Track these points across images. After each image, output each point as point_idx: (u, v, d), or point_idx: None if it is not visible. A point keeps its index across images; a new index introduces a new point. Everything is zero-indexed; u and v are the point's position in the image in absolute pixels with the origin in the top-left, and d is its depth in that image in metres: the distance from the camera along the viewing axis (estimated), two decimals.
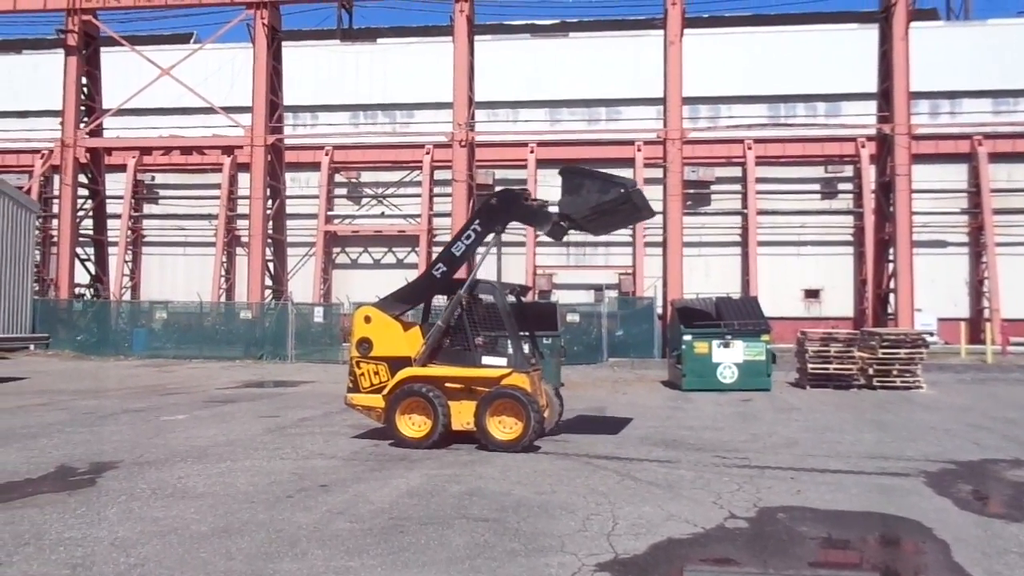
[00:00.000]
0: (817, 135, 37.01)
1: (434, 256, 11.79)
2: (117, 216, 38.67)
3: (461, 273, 11.59)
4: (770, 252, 37.04)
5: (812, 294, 37.74)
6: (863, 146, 36.00)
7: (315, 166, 39.70)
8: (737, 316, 19.01)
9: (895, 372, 18.66)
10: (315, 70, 39.67)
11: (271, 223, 33.13)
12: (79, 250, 34.05)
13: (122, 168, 39.09)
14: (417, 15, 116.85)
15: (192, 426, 12.43)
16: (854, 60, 34.37)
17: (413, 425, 10.42)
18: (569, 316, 27.26)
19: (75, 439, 11.04)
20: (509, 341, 10.66)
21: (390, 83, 39.83)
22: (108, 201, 35.68)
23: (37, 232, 28.98)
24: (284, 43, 33.49)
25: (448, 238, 10.76)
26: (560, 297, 34.63)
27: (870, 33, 31.64)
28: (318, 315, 30.13)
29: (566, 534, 6.45)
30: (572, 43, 40.24)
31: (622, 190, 10.55)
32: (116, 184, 37.94)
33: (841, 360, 18.99)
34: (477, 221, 11.04)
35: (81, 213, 34.06)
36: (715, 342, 18.43)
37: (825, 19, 40.04)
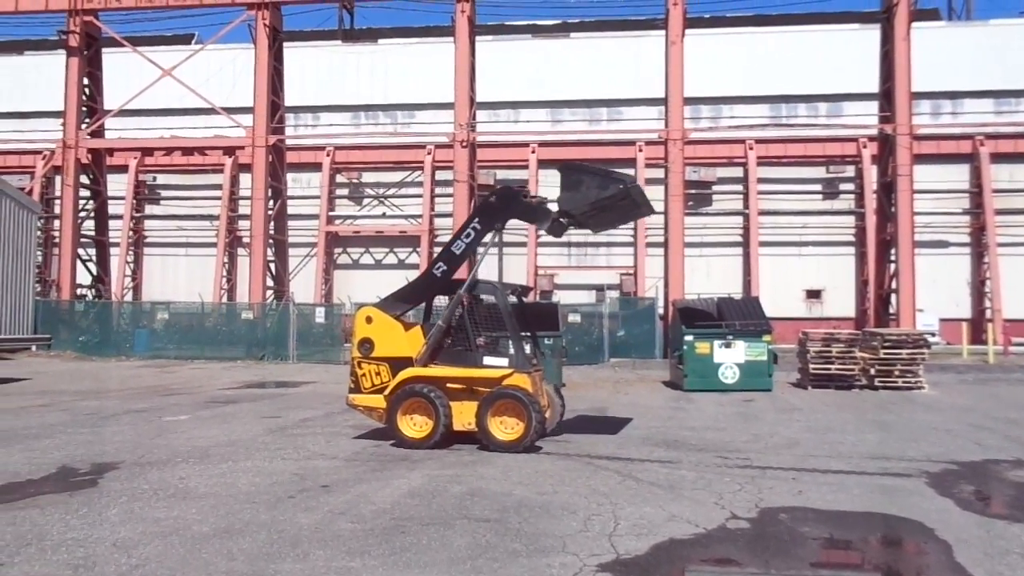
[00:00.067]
0: (819, 135, 37.01)
1: (435, 256, 11.82)
2: (119, 217, 38.72)
3: (462, 272, 11.59)
4: (772, 252, 37.04)
5: (814, 294, 37.74)
6: (865, 146, 36.00)
7: (316, 167, 39.73)
8: (739, 316, 19.00)
9: (897, 372, 18.63)
10: (316, 70, 39.72)
11: (272, 224, 33.14)
12: (81, 251, 34.07)
13: (124, 169, 39.15)
14: (418, 15, 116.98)
15: (194, 427, 12.44)
16: (856, 60, 34.37)
17: (415, 425, 10.42)
18: (570, 316, 27.24)
19: (77, 440, 11.05)
20: (510, 341, 10.66)
21: (391, 83, 39.87)
22: (110, 202, 35.72)
23: (39, 233, 29.06)
24: (285, 44, 33.51)
25: (449, 238, 10.74)
26: (561, 297, 34.65)
27: (872, 33, 31.62)
28: (319, 316, 30.13)
29: (568, 534, 6.44)
30: (573, 43, 40.26)
31: (621, 186, 10.56)
32: (118, 185, 37.97)
33: (843, 360, 18.97)
34: (477, 219, 11.04)
35: (83, 214, 34.08)
36: (717, 342, 18.41)
37: (827, 19, 40.02)
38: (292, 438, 11.34)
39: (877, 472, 9.15)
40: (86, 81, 33.24)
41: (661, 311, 28.38)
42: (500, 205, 11.10)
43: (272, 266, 33.15)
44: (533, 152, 37.35)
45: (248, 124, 31.75)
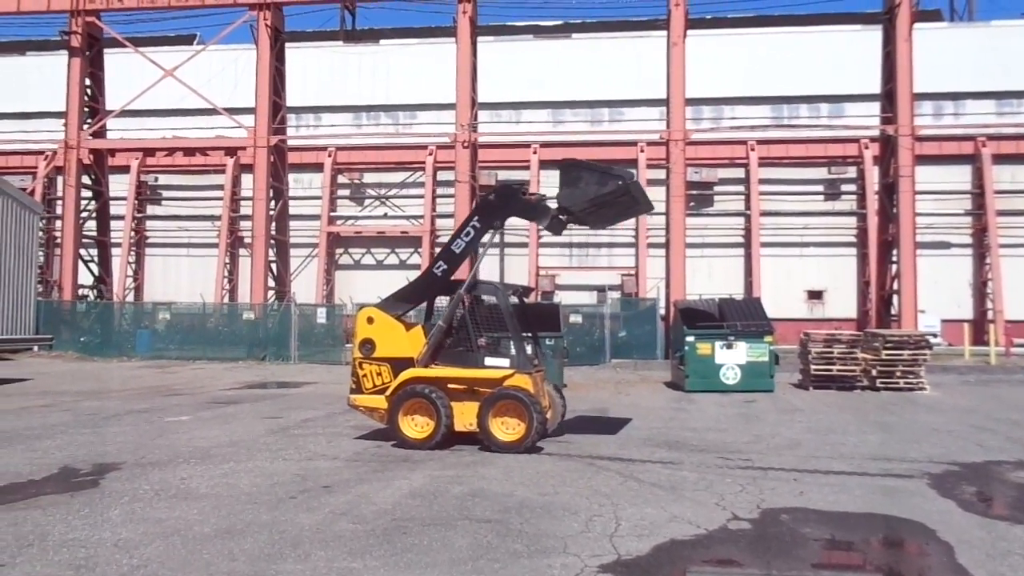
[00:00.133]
0: (820, 136, 36.99)
1: (435, 255, 11.83)
2: (120, 217, 38.74)
3: (464, 272, 11.59)
4: (773, 253, 37.03)
5: (815, 295, 37.72)
6: (866, 147, 35.98)
7: (318, 167, 39.75)
8: (740, 317, 18.99)
9: (898, 374, 18.62)
10: (318, 71, 39.74)
11: (274, 224, 33.15)
12: (82, 251, 34.08)
13: (125, 169, 39.17)
14: (420, 16, 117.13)
15: (195, 427, 12.44)
16: (857, 61, 34.33)
17: (416, 426, 10.42)
18: (572, 317, 27.24)
19: (78, 440, 11.05)
20: (512, 342, 10.66)
21: (393, 84, 39.89)
22: (111, 202, 35.75)
23: (41, 233, 29.05)
24: (287, 44, 33.52)
25: (449, 237, 10.70)
26: (563, 298, 34.60)
27: (874, 34, 31.60)
28: (321, 316, 30.13)
29: (569, 535, 6.45)
30: (575, 44, 40.26)
31: (620, 182, 10.55)
32: (119, 185, 38.00)
33: (844, 361, 18.96)
34: (476, 217, 11.04)
35: (84, 214, 34.11)
36: (718, 343, 18.41)
37: (828, 20, 39.98)
38: (293, 439, 11.34)
39: (879, 473, 9.15)
40: (88, 82, 33.26)
41: (662, 312, 28.37)
42: (499, 203, 11.10)
43: (274, 266, 33.16)
44: (535, 153, 37.34)
45: (250, 124, 31.76)
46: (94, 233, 34.79)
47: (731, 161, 37.98)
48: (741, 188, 38.13)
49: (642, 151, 36.16)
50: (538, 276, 36.70)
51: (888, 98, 29.43)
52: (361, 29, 47.13)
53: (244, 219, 38.37)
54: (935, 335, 27.81)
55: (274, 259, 33.18)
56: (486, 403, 10.18)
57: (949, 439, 11.76)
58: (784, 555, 6.07)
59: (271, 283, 32.72)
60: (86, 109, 33.43)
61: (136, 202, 40.94)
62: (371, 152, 40.03)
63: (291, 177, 34.95)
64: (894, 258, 29.59)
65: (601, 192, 10.55)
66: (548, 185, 11.87)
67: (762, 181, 37.37)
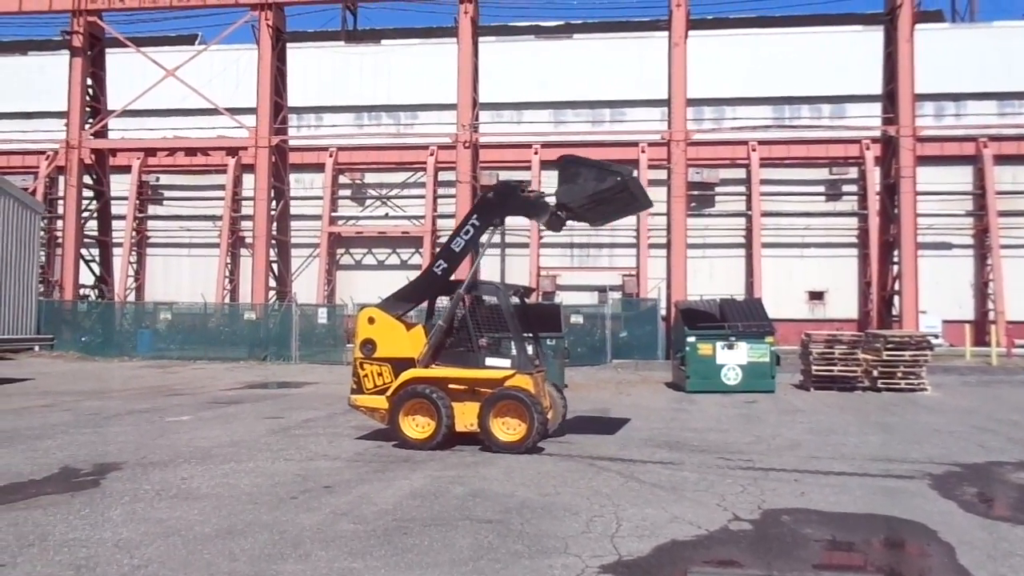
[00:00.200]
0: (821, 137, 36.98)
1: (435, 254, 11.82)
2: (122, 217, 38.72)
3: (464, 271, 11.58)
4: (774, 254, 37.01)
5: (816, 296, 37.70)
6: (868, 148, 35.96)
7: (319, 167, 39.75)
8: (741, 318, 18.97)
9: (899, 374, 18.61)
10: (319, 71, 39.73)
11: (275, 224, 33.15)
12: (84, 251, 34.09)
13: (127, 169, 39.19)
14: (421, 16, 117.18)
15: (196, 427, 12.44)
16: (859, 62, 34.31)
17: (417, 426, 10.42)
18: (573, 317, 27.24)
19: (79, 440, 11.06)
20: (513, 342, 10.66)
21: (394, 84, 39.90)
22: (113, 202, 35.75)
23: (42, 233, 29.05)
24: (288, 44, 33.52)
25: (449, 236, 10.67)
26: (564, 298, 34.59)
27: (875, 35, 31.60)
28: (322, 316, 30.12)
29: (570, 536, 6.45)
30: (576, 44, 40.26)
31: (618, 178, 10.54)
32: (121, 185, 38.02)
33: (845, 362, 18.95)
34: (475, 215, 11.04)
35: (86, 214, 34.12)
36: (719, 344, 18.40)
37: (830, 21, 39.98)
38: (294, 439, 11.34)
39: (880, 474, 9.14)
40: (89, 81, 33.27)
41: (663, 312, 28.36)
42: (498, 200, 11.09)
43: (275, 266, 33.16)
44: (536, 153, 37.32)
45: (251, 125, 31.77)
46: (95, 233, 34.79)
47: (732, 162, 37.97)
48: (742, 189, 38.12)
49: (643, 151, 36.16)
50: (539, 276, 36.69)
51: (889, 99, 29.42)
52: (362, 29, 47.18)
53: (245, 219, 38.38)
54: (936, 336, 27.80)
55: (275, 259, 33.19)
56: (487, 403, 10.18)
57: (950, 440, 11.75)
58: (785, 556, 6.07)
59: (272, 283, 32.72)
60: (88, 109, 33.44)
61: (137, 202, 40.93)
62: (372, 152, 40.04)
63: (292, 177, 34.96)
64: (895, 259, 29.57)
65: (600, 188, 10.55)
66: (549, 185, 11.84)
67: (763, 182, 37.36)
